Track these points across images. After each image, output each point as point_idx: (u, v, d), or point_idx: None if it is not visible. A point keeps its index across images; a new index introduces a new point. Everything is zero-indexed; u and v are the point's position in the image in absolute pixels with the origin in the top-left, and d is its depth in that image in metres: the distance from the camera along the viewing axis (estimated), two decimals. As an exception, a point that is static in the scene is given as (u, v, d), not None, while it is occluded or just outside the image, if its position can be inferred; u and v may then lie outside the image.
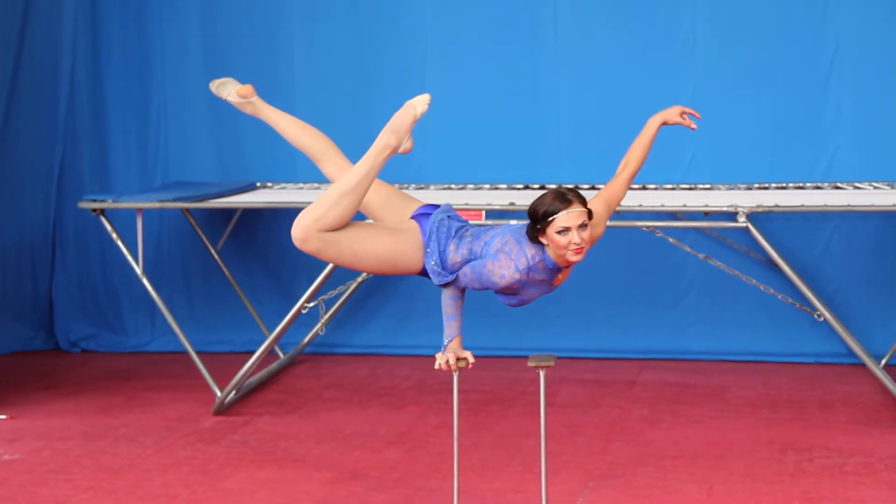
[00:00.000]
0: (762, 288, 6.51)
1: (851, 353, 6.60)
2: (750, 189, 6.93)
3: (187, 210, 7.09)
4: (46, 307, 7.79)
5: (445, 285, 4.10)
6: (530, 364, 4.24)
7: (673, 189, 7.01)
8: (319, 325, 6.30)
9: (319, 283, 6.03)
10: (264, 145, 7.43)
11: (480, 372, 5.87)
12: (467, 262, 4.05)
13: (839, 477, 4.99)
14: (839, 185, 6.93)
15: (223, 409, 6.16)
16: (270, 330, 6.76)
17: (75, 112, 7.69)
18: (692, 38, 7.19)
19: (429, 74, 7.39)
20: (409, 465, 5.23)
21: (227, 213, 7.41)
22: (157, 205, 6.32)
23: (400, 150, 4.03)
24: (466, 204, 6.02)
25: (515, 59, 7.34)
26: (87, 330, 7.77)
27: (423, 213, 4.15)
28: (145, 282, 6.41)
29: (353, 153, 4.37)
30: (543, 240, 3.95)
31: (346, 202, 3.96)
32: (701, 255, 6.57)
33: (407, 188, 6.94)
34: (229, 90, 4.45)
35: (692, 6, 7.18)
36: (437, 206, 4.18)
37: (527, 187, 7.08)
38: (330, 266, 5.96)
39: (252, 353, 6.26)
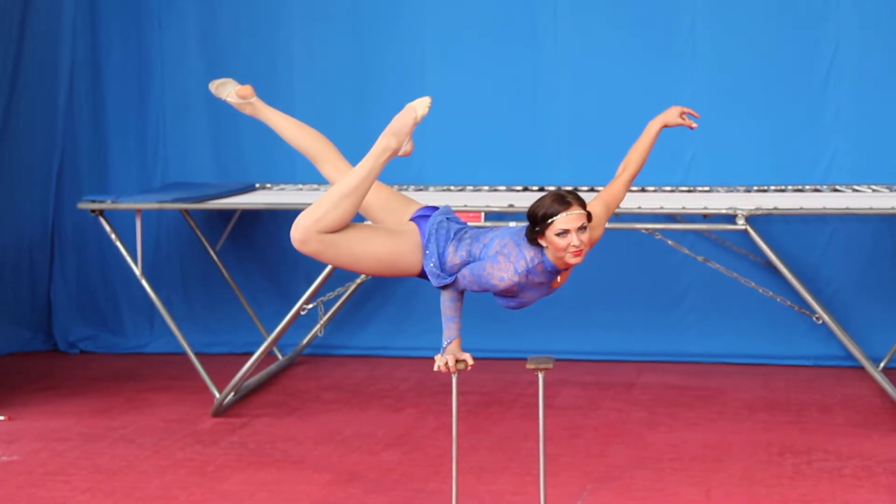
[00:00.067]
0: (761, 290, 6.51)
1: (850, 356, 6.59)
2: (749, 191, 6.94)
3: (186, 211, 7.08)
4: (45, 308, 7.79)
5: (444, 287, 4.11)
6: (529, 366, 4.25)
7: (672, 191, 7.01)
8: (318, 326, 6.29)
9: (318, 284, 6.03)
10: (263, 146, 7.43)
11: (479, 374, 5.87)
12: (466, 264, 4.05)
13: (837, 480, 4.99)
14: (838, 187, 6.94)
15: (222, 411, 6.16)
16: (269, 331, 6.75)
17: (74, 113, 7.68)
18: (692, 38, 7.19)
19: (428, 75, 7.39)
20: (407, 466, 5.23)
21: (226, 214, 7.41)
22: (156, 206, 6.31)
23: (400, 153, 4.04)
24: (465, 206, 6.01)
25: (515, 59, 7.33)
26: (86, 331, 7.77)
27: (422, 215, 4.15)
28: (144, 283, 6.41)
29: (353, 153, 4.37)
30: (542, 242, 3.95)
31: (345, 204, 3.96)
32: (700, 258, 6.57)
33: (406, 190, 6.94)
34: (228, 91, 4.45)
35: (692, 7, 7.18)
36: (436, 208, 4.18)
37: (526, 189, 7.08)
38: (329, 267, 5.95)
39: (251, 354, 6.25)
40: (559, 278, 4.06)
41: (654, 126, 4.25)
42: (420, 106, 3.98)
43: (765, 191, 6.95)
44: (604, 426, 5.87)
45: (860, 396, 6.43)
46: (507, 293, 4.03)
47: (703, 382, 6.77)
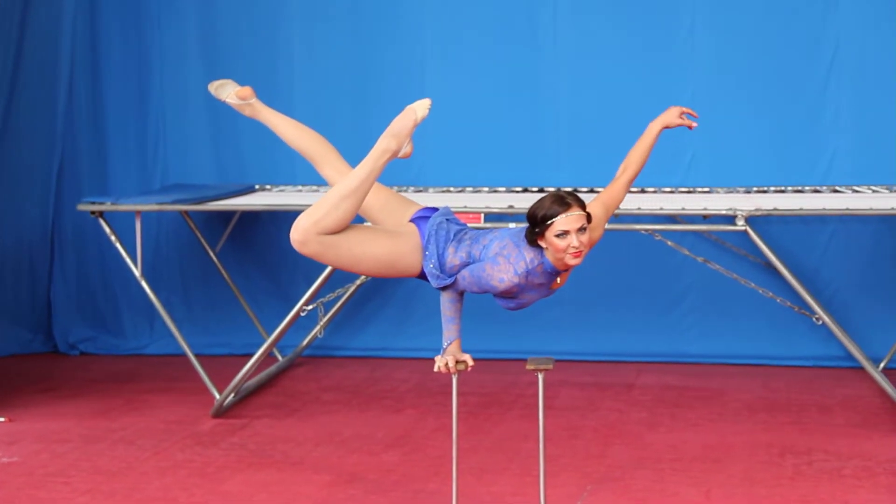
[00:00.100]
0: (760, 291, 6.51)
1: (850, 357, 6.59)
2: (748, 192, 6.94)
3: (186, 212, 7.08)
4: (45, 309, 7.78)
5: (444, 288, 4.11)
6: (529, 367, 4.25)
7: (672, 192, 7.01)
8: (318, 327, 6.29)
9: (318, 285, 6.03)
10: (263, 148, 7.43)
11: (479, 375, 5.87)
12: (466, 265, 4.05)
13: (838, 480, 4.99)
14: (838, 188, 6.94)
15: (221, 412, 6.16)
16: (269, 332, 6.75)
17: (74, 114, 7.68)
18: (691, 39, 7.19)
19: (428, 75, 7.39)
20: (407, 467, 5.23)
21: (226, 215, 7.41)
22: (155, 207, 6.31)
23: (400, 155, 4.04)
24: (465, 207, 6.01)
25: (515, 59, 7.33)
26: (86, 332, 7.77)
27: (422, 217, 4.15)
28: (144, 284, 6.41)
29: (353, 154, 4.37)
30: (542, 243, 3.95)
31: (345, 205, 3.96)
32: (699, 259, 6.57)
33: (406, 191, 6.94)
34: (228, 92, 4.45)
35: (692, 7, 7.18)
36: (435, 209, 4.18)
37: (525, 190, 7.08)
38: (328, 269, 5.96)
39: (250, 355, 6.25)
40: (559, 279, 4.06)
41: (654, 127, 4.25)
42: (420, 108, 3.98)
43: (764, 191, 6.95)
44: (604, 427, 5.86)
45: (860, 397, 6.43)
46: (506, 294, 4.03)
47: (703, 383, 6.77)
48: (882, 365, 6.74)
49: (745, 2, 7.14)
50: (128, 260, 6.43)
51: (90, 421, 6.06)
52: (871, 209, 6.00)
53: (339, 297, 6.84)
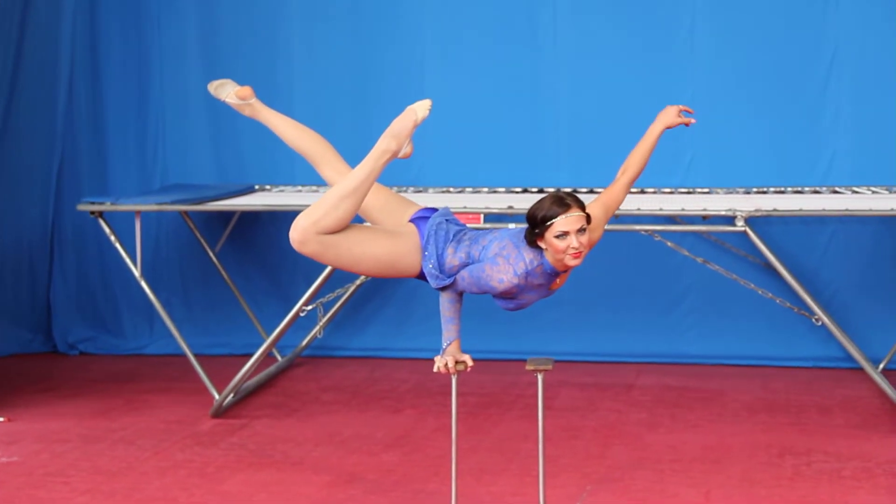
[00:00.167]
0: (760, 292, 6.51)
1: (849, 358, 6.59)
2: (748, 193, 6.94)
3: (185, 213, 7.09)
4: (44, 310, 7.78)
5: (443, 289, 4.11)
6: (528, 367, 4.25)
7: (671, 193, 7.01)
8: (318, 327, 6.29)
9: (318, 285, 6.03)
10: (263, 148, 7.43)
11: (479, 375, 5.87)
12: (465, 265, 4.05)
13: (837, 481, 4.99)
14: (837, 189, 6.94)
15: (221, 412, 6.16)
16: (268, 333, 6.75)
17: (74, 114, 7.68)
18: (691, 39, 7.19)
19: (428, 75, 7.39)
20: (407, 468, 5.23)
21: (226, 215, 7.41)
22: (155, 207, 6.32)
23: (400, 155, 4.04)
24: (465, 207, 6.02)
25: (515, 59, 7.33)
26: (86, 332, 7.76)
27: (422, 217, 4.15)
28: (143, 284, 6.41)
29: (353, 154, 4.37)
30: (542, 244, 3.95)
31: (344, 205, 3.96)
32: (699, 259, 6.57)
33: (405, 191, 6.94)
34: (228, 92, 4.45)
35: (692, 7, 7.18)
36: (435, 210, 4.18)
37: (525, 191, 7.09)
38: (328, 269, 5.96)
39: (250, 355, 6.25)
40: (558, 280, 4.06)
41: (655, 130, 4.25)
42: (420, 108, 3.98)
43: (764, 192, 6.95)
44: (603, 427, 5.87)
45: (860, 398, 6.43)
46: (506, 295, 4.03)
47: (702, 384, 6.77)
48: (881, 366, 6.74)
49: (745, 2, 7.15)
50: (127, 260, 6.43)
51: (90, 421, 6.06)
52: (870, 210, 6.00)
53: (338, 298, 6.84)
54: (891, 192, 6.75)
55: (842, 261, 7.17)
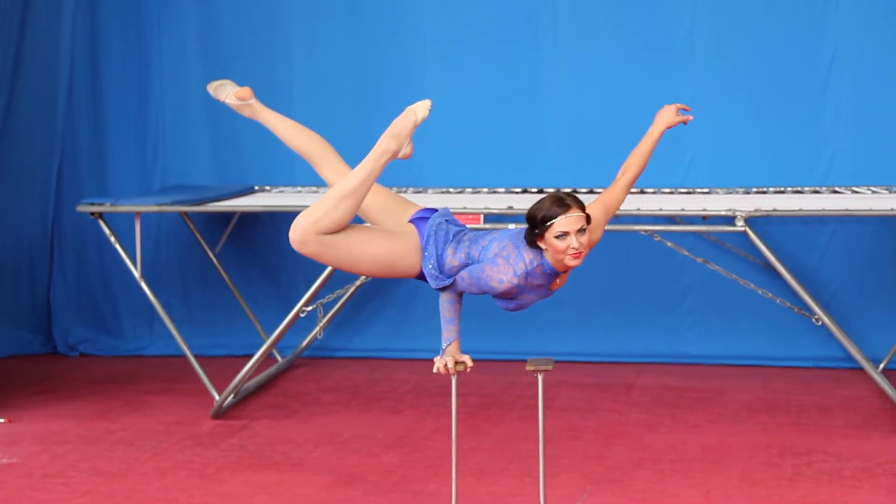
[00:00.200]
0: (760, 292, 6.51)
1: (849, 357, 6.59)
2: (748, 193, 6.93)
3: (185, 213, 7.08)
4: (44, 310, 7.78)
5: (443, 289, 4.11)
6: (528, 368, 4.24)
7: (671, 193, 7.01)
8: (318, 328, 6.29)
9: (318, 286, 6.03)
10: (263, 149, 7.43)
11: (479, 376, 5.87)
12: (465, 266, 4.05)
13: (837, 481, 4.99)
14: (837, 189, 6.94)
15: (221, 413, 6.16)
16: (268, 333, 6.76)
17: (74, 115, 7.68)
18: (691, 39, 7.19)
19: (428, 75, 7.39)
20: (407, 468, 5.23)
21: (226, 216, 7.41)
22: (155, 208, 6.32)
23: (399, 156, 4.04)
24: (465, 208, 6.01)
25: (515, 59, 7.33)
26: (85, 333, 7.76)
27: (421, 217, 4.15)
28: (143, 285, 6.41)
29: (353, 154, 4.37)
30: (542, 244, 3.95)
31: (344, 206, 3.96)
32: (699, 259, 6.57)
33: (405, 191, 6.94)
34: (227, 92, 4.45)
35: (692, 7, 7.18)
36: (434, 210, 4.18)
37: (525, 191, 7.08)
38: (328, 269, 5.95)
39: (250, 356, 6.25)
40: (558, 280, 4.06)
41: (655, 130, 4.25)
42: (420, 109, 3.98)
43: (764, 192, 6.95)
44: (603, 428, 5.86)
45: (860, 398, 6.42)
46: (505, 295, 4.03)
47: (702, 384, 6.77)
48: (882, 366, 6.74)
49: (745, 2, 7.15)
50: (127, 261, 6.43)
51: (90, 422, 6.06)
52: (870, 210, 6.00)
53: (338, 298, 6.84)
54: (891, 192, 6.75)
55: (842, 261, 7.16)
